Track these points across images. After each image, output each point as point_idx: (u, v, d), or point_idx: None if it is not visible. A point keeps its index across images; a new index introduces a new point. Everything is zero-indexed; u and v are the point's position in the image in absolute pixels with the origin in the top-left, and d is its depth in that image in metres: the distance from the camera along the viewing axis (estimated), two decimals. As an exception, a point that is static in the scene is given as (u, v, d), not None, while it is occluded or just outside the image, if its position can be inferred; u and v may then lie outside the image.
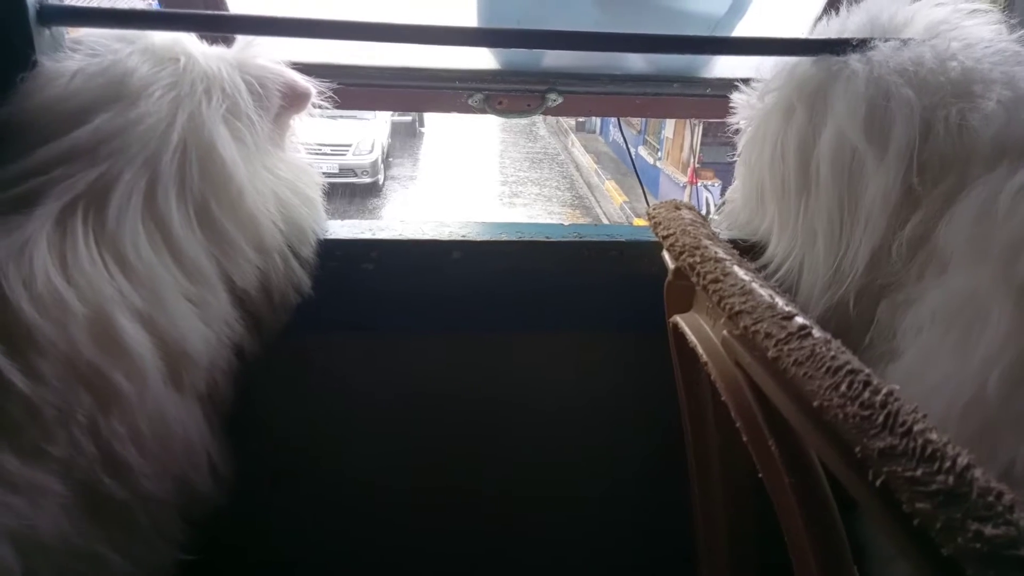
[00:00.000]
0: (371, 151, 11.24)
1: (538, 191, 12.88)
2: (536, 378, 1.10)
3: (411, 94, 1.40)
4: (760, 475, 0.51)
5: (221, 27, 0.98)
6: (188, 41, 0.86)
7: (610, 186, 12.48)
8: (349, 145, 10.83)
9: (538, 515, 1.16)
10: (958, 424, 0.63)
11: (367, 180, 11.27)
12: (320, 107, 0.94)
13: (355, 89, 1.33)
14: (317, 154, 10.38)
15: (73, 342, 0.68)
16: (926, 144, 0.77)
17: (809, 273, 0.85)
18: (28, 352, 0.65)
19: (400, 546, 1.13)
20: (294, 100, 0.91)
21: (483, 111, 1.41)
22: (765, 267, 0.91)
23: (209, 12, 1.15)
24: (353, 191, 11.17)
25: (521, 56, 1.41)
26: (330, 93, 0.95)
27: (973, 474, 0.36)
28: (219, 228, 0.82)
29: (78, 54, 0.82)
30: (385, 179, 12.19)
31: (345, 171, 10.86)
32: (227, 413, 0.87)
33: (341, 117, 10.57)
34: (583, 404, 1.12)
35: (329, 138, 10.47)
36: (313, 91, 0.91)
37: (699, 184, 10.27)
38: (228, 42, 0.93)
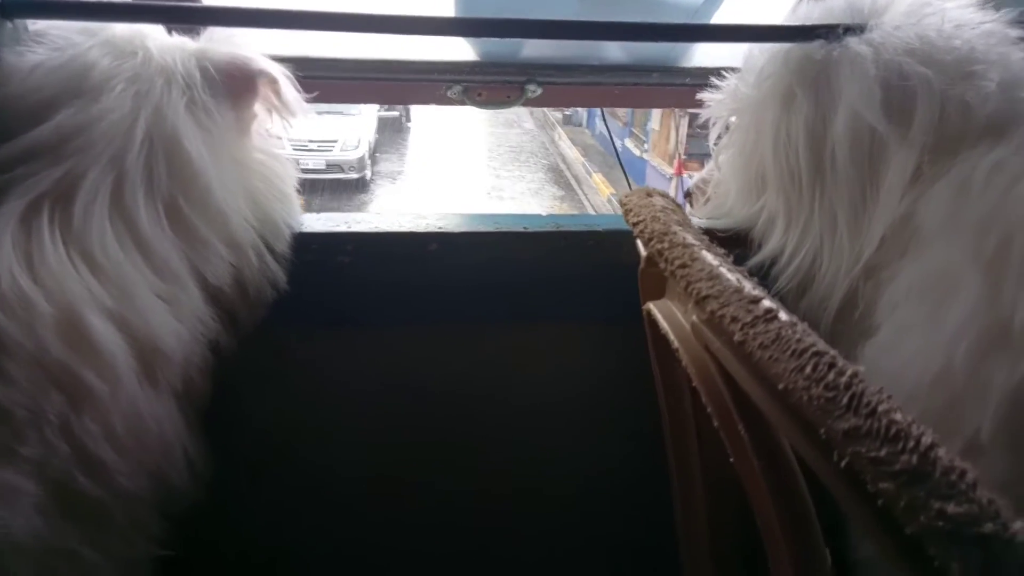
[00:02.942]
0: (357, 147, 11.18)
1: (525, 185, 12.88)
2: (516, 369, 1.10)
3: (390, 87, 1.39)
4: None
5: (191, 19, 0.96)
6: (149, 32, 0.85)
7: (597, 179, 12.49)
8: (335, 141, 10.78)
9: (520, 506, 1.16)
10: (927, 396, 0.64)
11: (354, 176, 11.22)
12: (294, 98, 0.92)
13: (334, 83, 1.32)
14: (303, 150, 10.44)
15: (41, 342, 0.67)
16: (940, 123, 0.76)
17: (832, 259, 0.83)
18: None
19: (381, 540, 1.13)
20: (248, 83, 0.89)
21: (462, 103, 1.40)
22: (776, 258, 0.89)
23: (179, 4, 1.14)
24: (340, 187, 11.12)
25: (500, 47, 1.40)
26: (298, 81, 0.93)
27: (936, 453, 0.36)
28: (189, 225, 0.81)
29: (40, 47, 0.80)
30: (372, 175, 12.14)
31: (332, 167, 10.81)
32: (204, 409, 0.87)
33: (327, 113, 10.51)
34: (563, 395, 1.11)
35: (315, 134, 10.42)
36: (275, 72, 0.89)
37: (685, 176, 10.29)
38: (198, 32, 0.92)
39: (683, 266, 0.53)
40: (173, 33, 0.90)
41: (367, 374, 1.06)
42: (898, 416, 0.38)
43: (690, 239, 0.57)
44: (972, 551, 0.33)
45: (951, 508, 0.34)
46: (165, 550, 0.79)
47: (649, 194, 0.75)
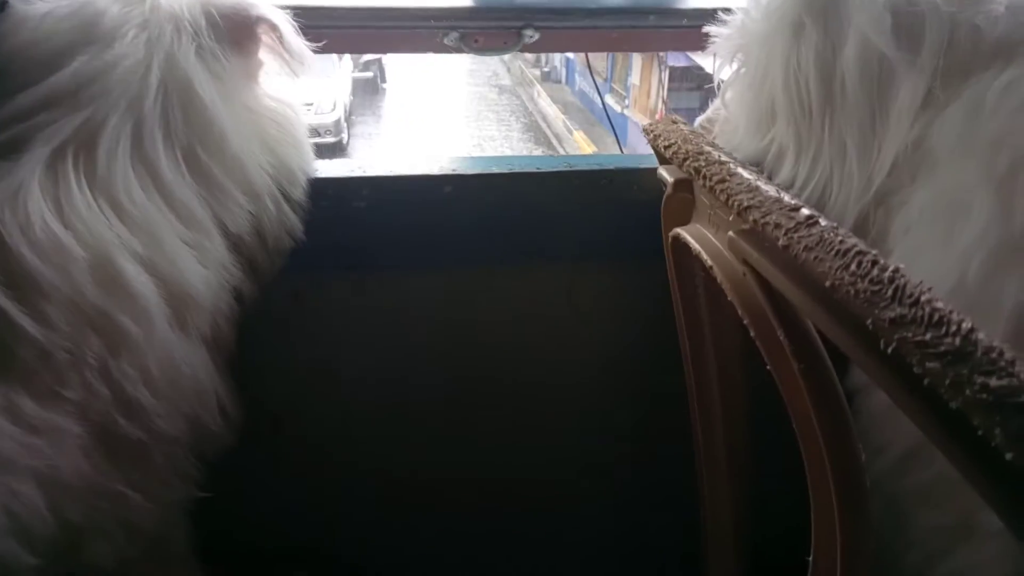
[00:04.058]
0: (333, 109, 10.98)
1: (505, 144, 12.76)
2: (532, 308, 1.11)
3: (384, 35, 1.37)
4: (769, 372, 0.54)
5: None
6: None
7: (578, 136, 12.40)
8: (310, 104, 10.57)
9: (537, 451, 1.18)
10: None
11: (331, 140, 11.03)
12: (297, 46, 0.91)
13: (325, 31, 1.30)
14: (278, 115, 10.21)
15: (77, 286, 0.67)
16: (950, 49, 0.77)
17: (843, 187, 0.84)
18: (34, 297, 0.65)
19: (395, 487, 1.15)
20: (248, 30, 0.88)
21: (459, 50, 1.39)
22: (788, 189, 0.87)
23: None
24: (318, 151, 10.90)
25: (496, -9, 1.39)
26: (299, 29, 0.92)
27: (977, 335, 0.39)
28: (207, 173, 0.82)
29: (48, -6, 0.79)
30: (349, 137, 11.96)
31: (308, 131, 10.62)
32: (229, 357, 0.88)
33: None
34: (580, 333, 1.13)
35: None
36: (275, 19, 0.88)
37: (667, 129, 10.25)
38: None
39: (722, 180, 0.55)
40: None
41: (384, 319, 1.07)
42: (940, 304, 0.41)
43: (724, 157, 0.59)
44: (1014, 418, 0.36)
45: (993, 382, 0.37)
46: (202, 492, 0.81)
47: (674, 121, 0.77)
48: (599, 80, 13.12)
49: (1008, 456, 0.34)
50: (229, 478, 0.80)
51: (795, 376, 0.50)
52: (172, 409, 0.76)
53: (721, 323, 0.74)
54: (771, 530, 0.86)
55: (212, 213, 0.83)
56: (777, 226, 0.47)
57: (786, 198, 0.50)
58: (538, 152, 12.42)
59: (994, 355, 0.38)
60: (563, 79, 15.78)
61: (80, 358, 0.67)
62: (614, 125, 11.90)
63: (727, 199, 0.53)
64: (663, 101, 10.55)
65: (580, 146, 12.12)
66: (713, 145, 0.65)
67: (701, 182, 0.59)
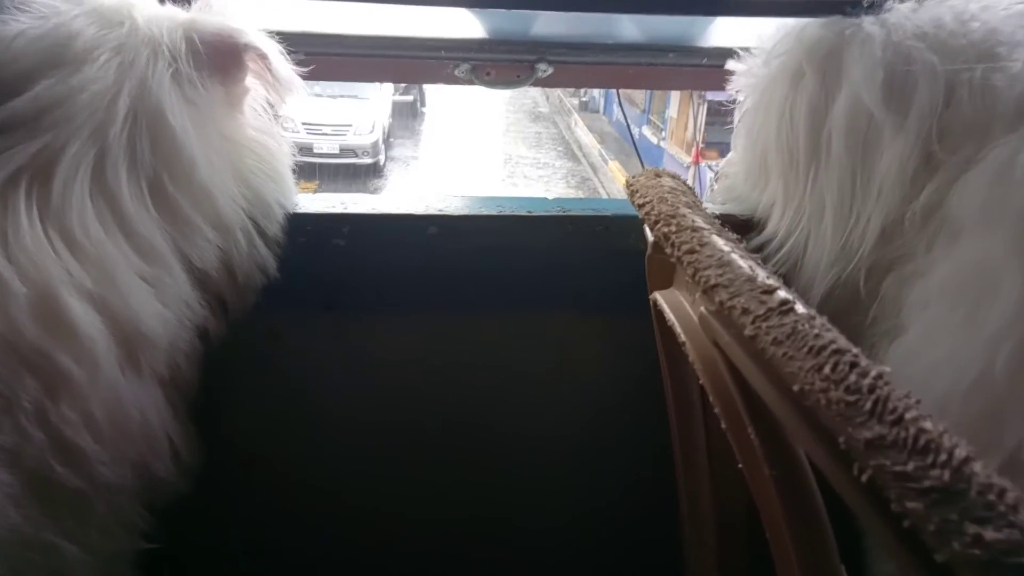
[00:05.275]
0: (372, 131, 11.14)
1: (540, 172, 12.79)
2: (518, 359, 1.05)
3: (395, 64, 1.35)
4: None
5: (184, -12, 0.93)
6: (137, 2, 0.81)
7: (613, 166, 12.37)
8: (349, 125, 10.75)
9: (519, 501, 1.13)
10: (962, 404, 0.59)
11: (368, 160, 11.19)
12: (286, 73, 0.88)
13: (338, 59, 1.28)
14: (318, 134, 10.40)
15: (15, 324, 0.64)
16: (948, 109, 0.73)
17: (815, 248, 0.81)
18: None
19: (374, 534, 1.10)
20: (234, 57, 0.85)
21: (470, 82, 1.36)
22: (768, 243, 0.87)
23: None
24: (354, 172, 11.10)
25: (509, 24, 1.35)
26: (299, 61, 0.89)
27: (972, 468, 0.32)
28: (173, 205, 0.78)
29: (24, 16, 0.77)
30: (386, 160, 12.11)
31: (346, 151, 10.79)
32: (192, 397, 0.84)
33: (341, 96, 10.48)
34: (567, 387, 1.07)
35: (329, 118, 10.39)
36: (263, 47, 0.85)
37: (703, 164, 10.17)
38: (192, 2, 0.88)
39: (691, 251, 0.48)
40: (166, 2, 0.86)
41: (362, 362, 1.03)
42: (928, 425, 0.34)
43: (699, 222, 0.53)
44: (1013, 584, 0.29)
45: (988, 533, 0.30)
46: (148, 544, 0.76)
47: (658, 175, 0.71)
48: (637, 111, 13.12)
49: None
50: (199, 519, 0.76)
51: (767, 482, 0.42)
52: (117, 455, 0.71)
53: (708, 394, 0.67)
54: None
55: (176, 247, 0.79)
56: (745, 311, 0.40)
57: (761, 276, 0.43)
58: (573, 180, 12.42)
59: (992, 497, 0.31)
60: (601, 109, 15.81)
61: (13, 401, 0.63)
62: (651, 158, 11.87)
63: (694, 273, 0.47)
64: (700, 134, 10.47)
65: (615, 176, 12.08)
66: (693, 206, 0.59)
67: (670, 250, 0.53)
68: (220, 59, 0.85)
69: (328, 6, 1.24)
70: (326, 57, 1.20)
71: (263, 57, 0.87)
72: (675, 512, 0.89)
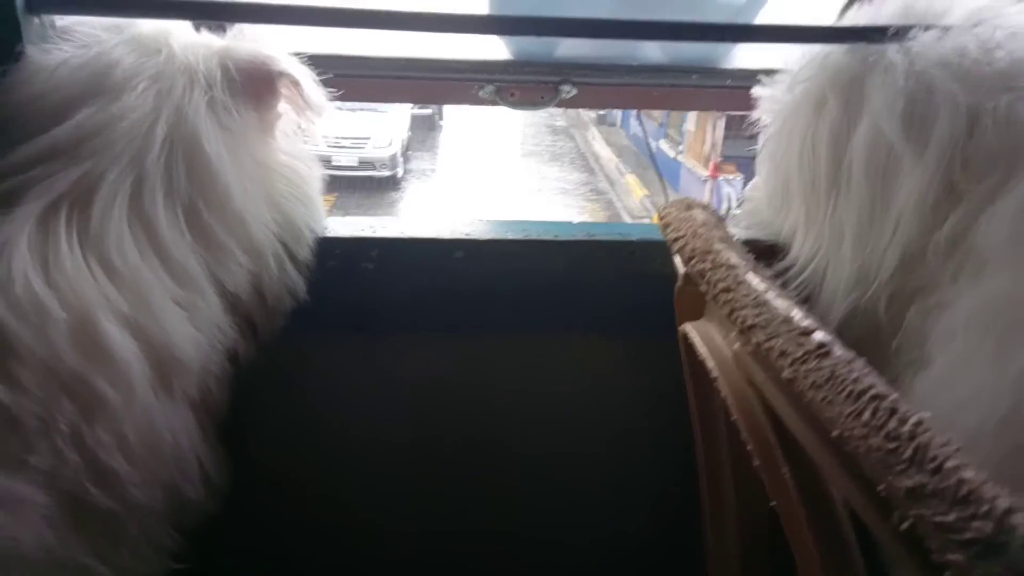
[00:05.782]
0: (390, 144, 11.24)
1: (557, 185, 12.81)
2: (544, 383, 1.06)
3: (421, 86, 1.36)
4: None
5: (219, 15, 0.94)
6: (174, 30, 0.83)
7: (631, 180, 12.37)
8: (368, 138, 10.85)
9: (541, 525, 1.13)
10: (992, 442, 0.58)
11: (386, 174, 11.29)
12: (317, 98, 0.90)
13: (363, 81, 1.30)
14: (336, 147, 10.51)
15: (54, 349, 0.65)
16: (971, 140, 0.72)
17: (834, 274, 0.81)
18: (6, 359, 0.63)
19: (400, 552, 1.10)
20: (268, 83, 0.86)
21: (494, 103, 1.37)
22: (788, 269, 0.87)
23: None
24: (372, 185, 11.19)
25: (534, 46, 1.36)
26: (325, 82, 0.90)
27: (1015, 520, 0.32)
28: (207, 230, 0.79)
29: (67, 44, 0.79)
30: (404, 173, 12.19)
31: (364, 164, 10.89)
32: (222, 420, 0.85)
33: (360, 110, 10.58)
34: (592, 411, 1.07)
35: (348, 131, 10.49)
36: (296, 73, 0.86)
37: (720, 179, 10.14)
38: (226, 29, 0.90)
39: (727, 290, 0.48)
40: (201, 30, 0.88)
41: (390, 383, 1.03)
42: (969, 474, 0.33)
43: (734, 259, 0.53)
44: (1060, 640, 0.29)
45: (1034, 587, 0.30)
46: (177, 564, 0.77)
47: (689, 207, 0.71)
48: (655, 125, 13.12)
49: None
50: (227, 539, 0.77)
51: (801, 524, 0.42)
52: (149, 477, 0.72)
53: (738, 430, 0.67)
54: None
55: (209, 271, 0.80)
56: (783, 354, 0.40)
57: (797, 317, 0.43)
58: (590, 193, 12.42)
59: (1036, 549, 0.31)
60: (618, 122, 15.83)
61: (50, 424, 0.64)
62: (668, 171, 11.84)
63: (730, 312, 0.47)
64: (717, 148, 10.44)
65: (632, 189, 12.07)
66: (727, 240, 0.59)
67: (705, 287, 0.53)
68: (254, 86, 0.86)
69: (354, 30, 1.26)
70: (352, 79, 1.22)
71: (296, 84, 0.89)
72: (698, 536, 0.88)
